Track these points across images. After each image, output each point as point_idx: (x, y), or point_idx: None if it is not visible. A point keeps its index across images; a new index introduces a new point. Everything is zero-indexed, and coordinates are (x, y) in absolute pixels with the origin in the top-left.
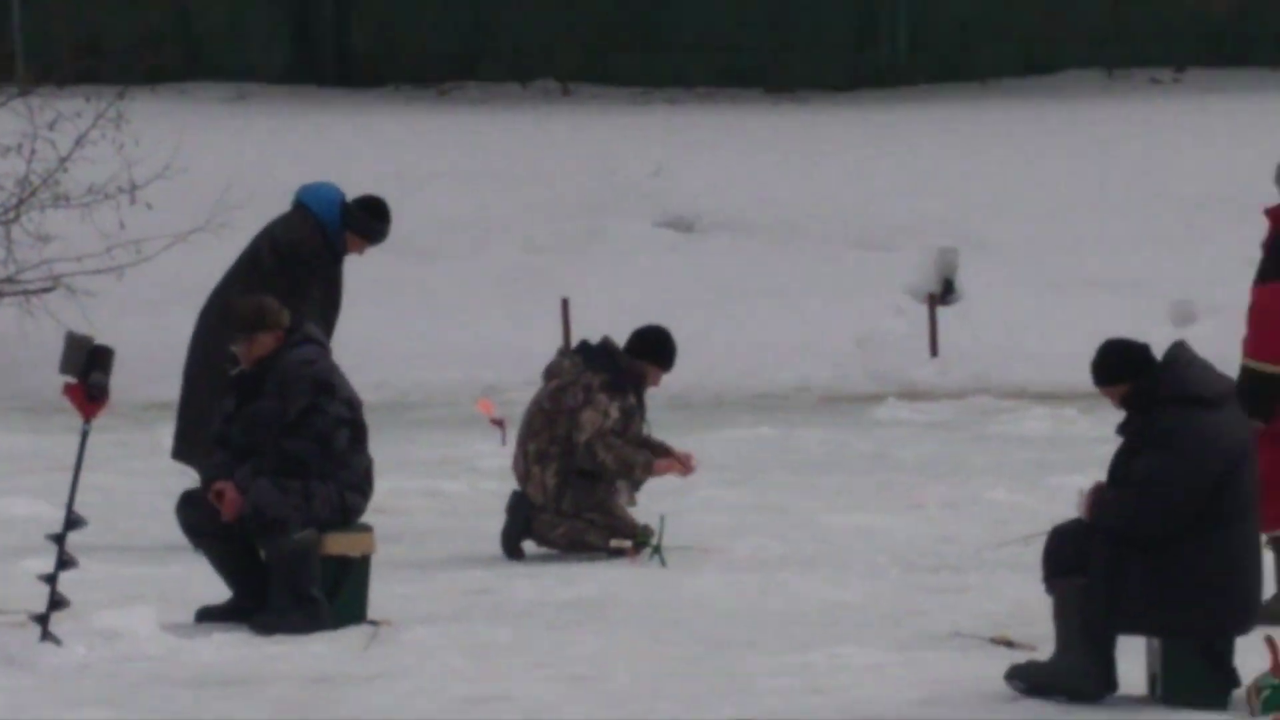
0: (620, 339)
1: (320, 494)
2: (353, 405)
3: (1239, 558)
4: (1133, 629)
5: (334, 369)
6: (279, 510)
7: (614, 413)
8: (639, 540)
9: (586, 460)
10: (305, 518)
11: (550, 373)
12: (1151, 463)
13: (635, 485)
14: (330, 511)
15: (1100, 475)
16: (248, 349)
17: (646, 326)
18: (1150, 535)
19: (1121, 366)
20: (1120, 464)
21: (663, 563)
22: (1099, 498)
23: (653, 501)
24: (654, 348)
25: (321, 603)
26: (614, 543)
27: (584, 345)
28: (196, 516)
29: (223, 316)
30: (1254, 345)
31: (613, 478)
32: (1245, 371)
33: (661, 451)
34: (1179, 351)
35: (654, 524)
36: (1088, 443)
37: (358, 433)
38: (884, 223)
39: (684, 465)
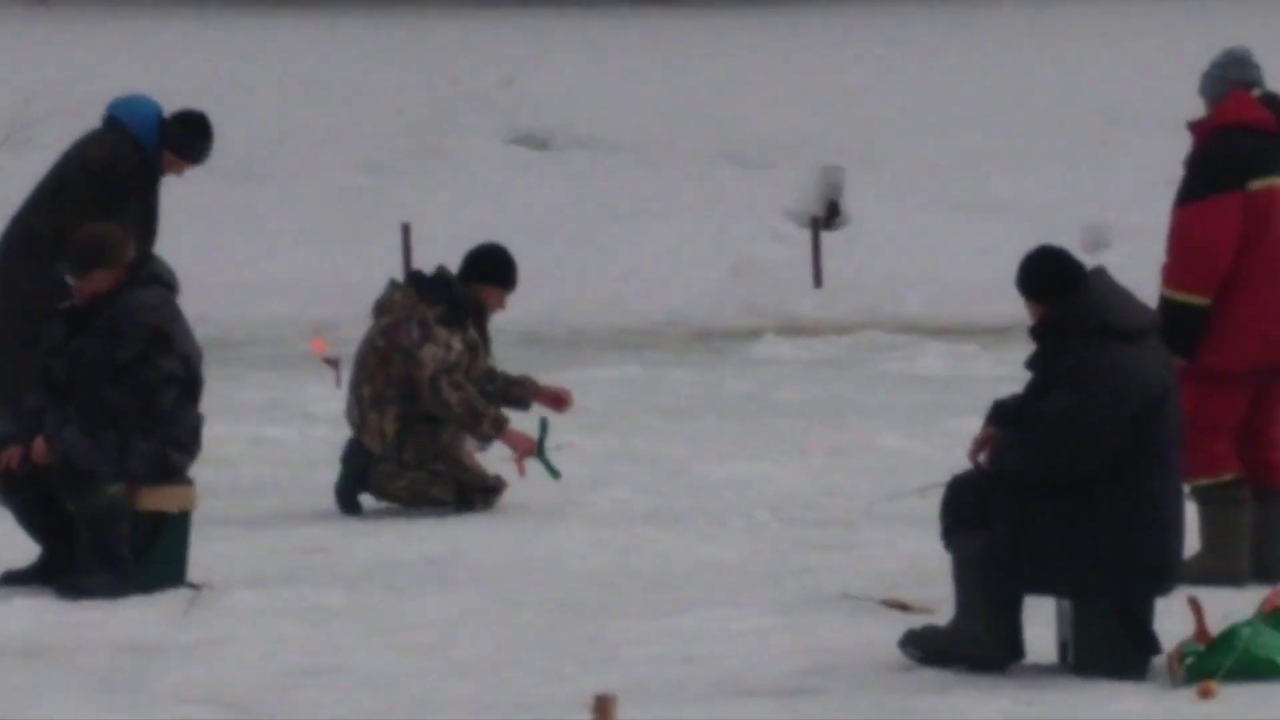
0: None
1: (139, 449)
2: (189, 362)
3: (1158, 509)
4: (1041, 589)
5: (176, 318)
6: (89, 461)
7: (456, 344)
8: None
9: (431, 400)
10: (119, 471)
11: (381, 307)
12: (1061, 399)
13: (482, 441)
14: (149, 468)
15: None
16: (82, 286)
17: (478, 246)
18: (1059, 481)
19: (1055, 280)
20: (1027, 403)
21: (553, 473)
22: (999, 440)
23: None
24: (489, 267)
25: (131, 563)
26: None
27: (416, 275)
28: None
29: (27, 248)
30: (1174, 274)
31: (457, 425)
32: (1165, 303)
33: (528, 387)
34: (1097, 279)
35: (505, 474)
36: (989, 382)
37: (190, 389)
38: (761, 138)
39: (558, 400)
